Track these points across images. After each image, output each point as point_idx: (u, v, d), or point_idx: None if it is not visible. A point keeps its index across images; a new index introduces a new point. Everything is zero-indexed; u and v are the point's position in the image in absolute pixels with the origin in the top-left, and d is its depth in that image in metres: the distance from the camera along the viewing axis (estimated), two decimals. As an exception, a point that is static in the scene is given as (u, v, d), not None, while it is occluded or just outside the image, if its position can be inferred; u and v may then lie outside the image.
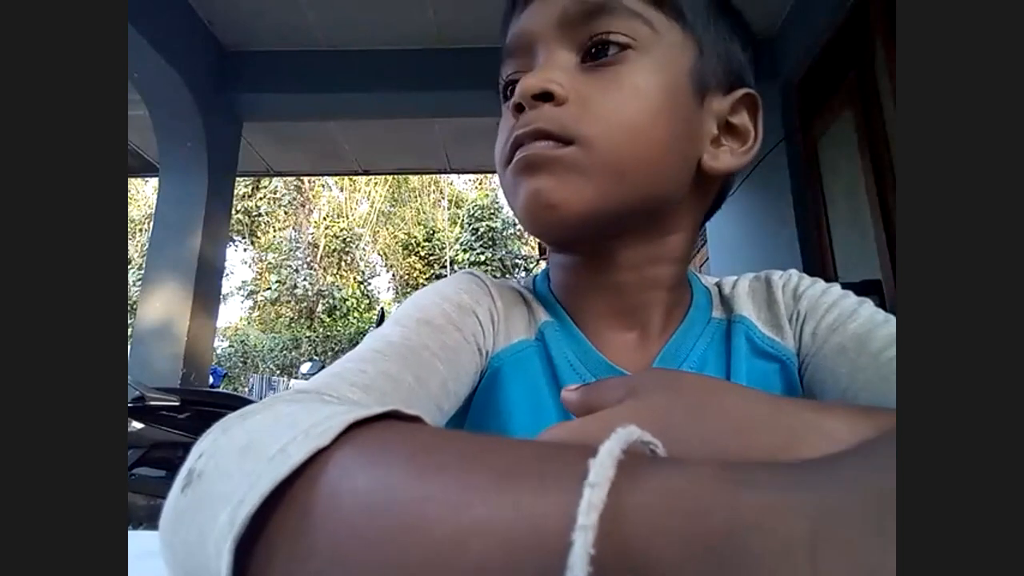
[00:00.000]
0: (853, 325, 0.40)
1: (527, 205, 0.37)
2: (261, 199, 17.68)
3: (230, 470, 0.20)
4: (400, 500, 0.16)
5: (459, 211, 18.59)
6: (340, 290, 17.46)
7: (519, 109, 0.37)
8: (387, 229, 19.24)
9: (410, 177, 16.65)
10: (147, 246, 3.09)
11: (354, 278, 18.38)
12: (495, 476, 0.16)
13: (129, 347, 2.90)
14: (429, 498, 0.16)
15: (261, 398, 0.30)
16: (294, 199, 18.19)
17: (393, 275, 19.09)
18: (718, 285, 0.48)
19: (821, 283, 0.44)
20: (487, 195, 18.04)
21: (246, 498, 0.18)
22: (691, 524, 0.13)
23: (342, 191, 19.01)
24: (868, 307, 0.41)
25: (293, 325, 16.75)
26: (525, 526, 0.14)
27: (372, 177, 16.48)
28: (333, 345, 15.42)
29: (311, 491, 0.18)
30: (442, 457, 0.18)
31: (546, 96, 0.36)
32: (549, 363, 0.41)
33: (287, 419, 0.21)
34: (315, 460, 0.19)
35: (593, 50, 0.38)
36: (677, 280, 0.44)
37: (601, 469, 0.14)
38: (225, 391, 5.20)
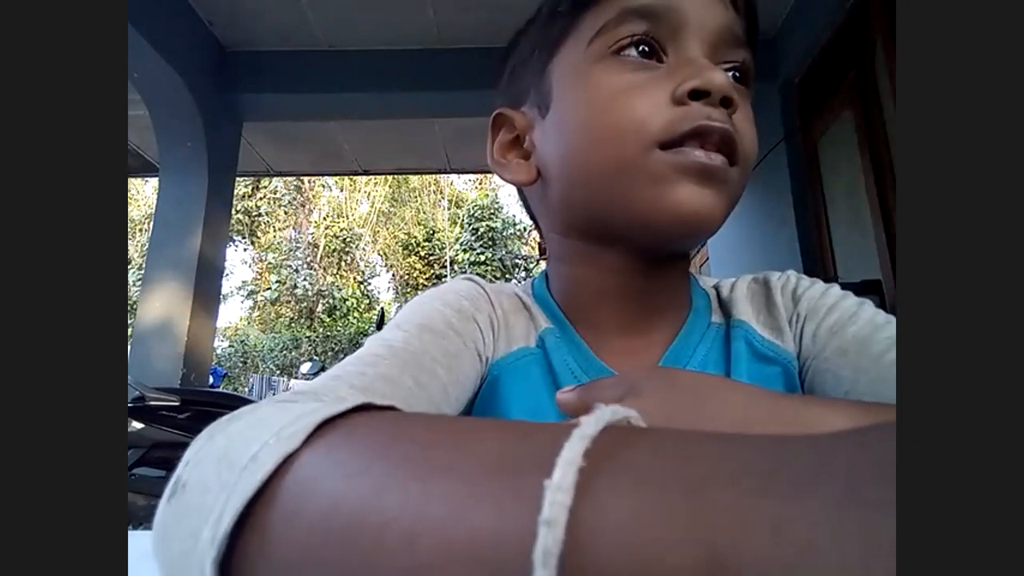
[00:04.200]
0: (854, 328, 0.39)
1: (687, 210, 0.36)
2: (261, 199, 17.67)
3: (209, 481, 0.19)
4: (359, 519, 0.16)
5: (459, 211, 18.57)
6: (340, 290, 17.45)
7: (696, 97, 0.35)
8: (387, 229, 19.23)
9: (410, 177, 16.65)
10: (147, 246, 3.08)
11: (354, 278, 18.37)
12: (459, 487, 0.15)
13: (129, 347, 2.90)
14: (388, 521, 0.15)
15: (261, 398, 0.30)
16: (294, 199, 18.19)
17: (393, 275, 19.07)
18: (716, 288, 0.47)
19: (820, 284, 0.44)
20: (487, 195, 18.03)
21: (223, 514, 0.18)
22: (665, 556, 0.11)
23: (342, 191, 18.99)
24: (869, 308, 0.41)
25: (293, 325, 16.74)
26: (484, 556, 0.14)
27: (372, 177, 16.49)
28: (333, 345, 15.42)
29: (277, 503, 0.18)
30: (408, 461, 0.17)
31: (730, 103, 0.36)
32: (550, 370, 0.41)
33: (263, 422, 0.21)
34: (285, 466, 0.18)
35: (732, 72, 0.39)
36: (684, 280, 0.45)
37: (558, 495, 0.13)
38: (225, 391, 5.19)
